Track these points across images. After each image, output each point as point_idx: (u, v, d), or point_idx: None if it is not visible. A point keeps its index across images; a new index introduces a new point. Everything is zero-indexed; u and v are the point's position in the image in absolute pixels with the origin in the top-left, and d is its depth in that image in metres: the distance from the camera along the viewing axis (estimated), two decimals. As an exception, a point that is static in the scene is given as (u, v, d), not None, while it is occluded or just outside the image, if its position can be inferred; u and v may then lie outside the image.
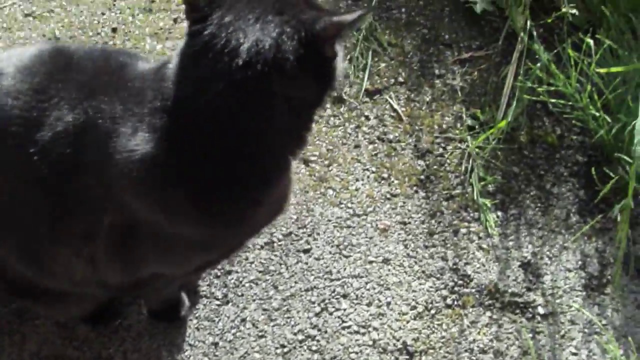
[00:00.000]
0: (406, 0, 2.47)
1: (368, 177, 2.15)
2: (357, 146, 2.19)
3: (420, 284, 2.01)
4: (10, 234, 1.48)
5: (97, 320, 1.87)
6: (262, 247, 2.02)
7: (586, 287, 2.03)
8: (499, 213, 2.13)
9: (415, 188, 2.14)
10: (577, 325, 1.98)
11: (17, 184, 1.41)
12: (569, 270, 2.05)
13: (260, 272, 1.99)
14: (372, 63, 2.33)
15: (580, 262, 2.07)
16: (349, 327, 1.94)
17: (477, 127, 2.24)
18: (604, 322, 1.98)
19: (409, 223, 2.09)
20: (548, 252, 2.07)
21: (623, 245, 1.98)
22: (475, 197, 2.13)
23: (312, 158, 2.16)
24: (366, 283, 2.00)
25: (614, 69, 2.07)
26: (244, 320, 1.93)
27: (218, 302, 1.95)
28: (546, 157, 2.22)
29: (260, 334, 1.92)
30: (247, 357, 1.89)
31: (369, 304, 1.97)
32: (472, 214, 2.11)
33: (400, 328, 1.95)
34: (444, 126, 2.25)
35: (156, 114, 1.28)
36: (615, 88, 2.12)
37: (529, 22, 2.29)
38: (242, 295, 1.96)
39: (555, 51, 2.26)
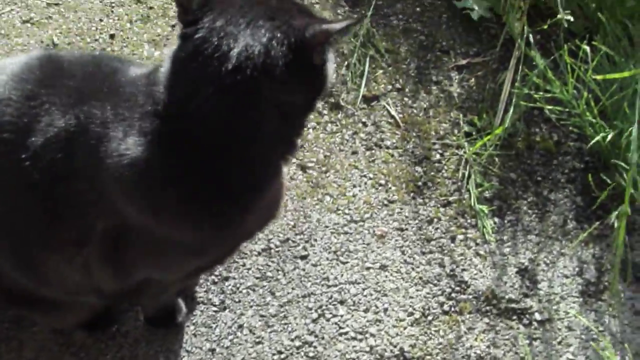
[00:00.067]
0: (403, 7, 2.47)
1: (365, 183, 2.15)
2: (354, 152, 2.20)
3: (417, 290, 2.01)
4: (4, 240, 1.49)
5: (93, 326, 1.87)
6: (259, 254, 2.02)
7: (583, 293, 2.03)
8: (496, 219, 2.13)
9: (412, 194, 2.15)
10: (574, 332, 1.98)
11: (9, 190, 1.42)
12: (566, 277, 2.06)
13: (257, 278, 1.99)
14: (370, 69, 2.33)
15: (577, 269, 2.07)
16: (346, 333, 1.94)
17: (474, 133, 2.24)
18: (601, 328, 1.99)
19: (406, 229, 2.09)
20: (545, 259, 2.08)
21: (620, 252, 1.98)
22: (472, 204, 2.13)
23: (310, 164, 2.16)
24: (363, 289, 2.00)
25: (609, 76, 2.07)
26: (241, 326, 1.93)
27: (215, 309, 1.95)
28: (543, 163, 2.22)
29: (257, 340, 1.92)
30: (244, 364, 1.90)
31: (366, 310, 1.97)
32: (469, 221, 2.12)
33: (397, 334, 1.95)
34: (441, 132, 2.25)
35: (147, 118, 1.28)
36: (612, 94, 2.12)
37: (526, 29, 2.30)
38: (239, 301, 1.96)
39: (552, 58, 2.27)
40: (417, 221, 2.11)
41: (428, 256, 2.06)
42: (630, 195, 1.95)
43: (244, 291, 1.97)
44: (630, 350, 1.93)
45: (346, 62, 2.32)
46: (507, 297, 2.01)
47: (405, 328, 1.96)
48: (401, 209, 2.12)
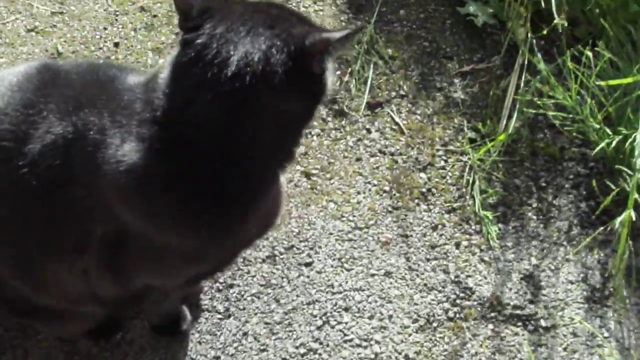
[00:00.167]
0: (407, 14, 2.48)
1: (369, 190, 2.15)
2: (358, 159, 2.20)
3: (422, 296, 2.01)
4: (4, 248, 1.49)
5: (98, 334, 1.87)
6: (263, 261, 2.02)
7: (588, 299, 2.03)
8: (501, 225, 2.13)
9: (416, 201, 2.15)
10: (579, 338, 1.98)
11: (8, 197, 1.42)
12: (571, 283, 2.05)
13: (262, 285, 1.99)
14: (374, 76, 2.33)
15: (582, 274, 2.07)
16: (350, 340, 1.94)
17: (478, 139, 2.24)
18: (606, 334, 1.98)
19: (411, 236, 2.09)
20: (550, 265, 2.07)
21: (621, 256, 1.98)
22: (476, 210, 2.13)
23: (314, 171, 2.16)
24: (368, 296, 2.00)
25: (612, 82, 2.07)
26: (245, 334, 1.93)
27: (220, 316, 1.95)
28: (547, 169, 2.22)
29: (262, 347, 1.92)
30: (249, 371, 1.90)
31: (370, 317, 1.97)
32: (473, 227, 2.12)
33: (402, 341, 1.95)
34: (445, 139, 2.25)
35: (144, 124, 1.29)
36: (616, 100, 2.12)
37: (529, 35, 2.30)
38: (244, 308, 1.96)
39: (556, 63, 2.27)
40: (421, 228, 2.11)
41: (432, 262, 2.06)
42: (635, 200, 1.95)
43: (249, 298, 1.97)
44: (635, 357, 1.93)
45: (350, 69, 2.33)
46: (511, 303, 2.01)
47: (410, 335, 1.96)
48: (405, 215, 2.12)
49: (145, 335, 1.91)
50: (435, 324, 1.98)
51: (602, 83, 2.10)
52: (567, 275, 2.06)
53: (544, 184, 2.20)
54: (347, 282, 2.01)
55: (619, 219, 2.01)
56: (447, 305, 2.00)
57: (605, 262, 2.08)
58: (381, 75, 2.35)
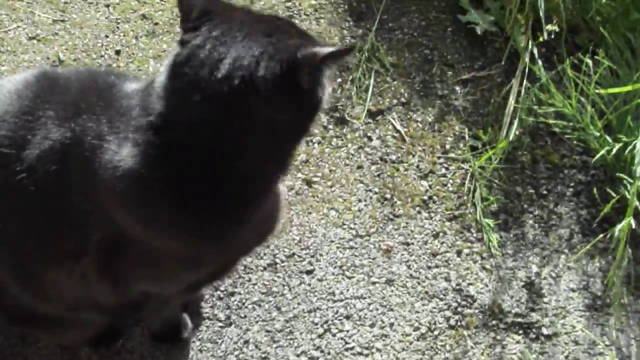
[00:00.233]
0: (408, 21, 2.48)
1: (371, 197, 2.15)
2: (359, 167, 2.20)
3: (423, 304, 2.01)
4: (3, 253, 1.49)
5: (98, 342, 1.87)
6: (264, 269, 2.02)
7: (589, 307, 2.03)
8: (502, 233, 2.13)
9: (418, 208, 2.15)
10: (580, 346, 1.97)
11: (7, 202, 1.43)
12: (572, 290, 2.05)
13: (263, 293, 1.99)
14: (375, 84, 2.34)
15: (583, 282, 2.06)
16: (352, 348, 1.94)
17: (479, 147, 2.25)
18: (607, 342, 1.98)
19: (412, 244, 2.09)
20: (551, 272, 2.07)
21: (618, 264, 1.98)
22: (478, 217, 2.13)
23: (315, 179, 2.16)
24: (369, 304, 2.00)
25: (612, 90, 2.08)
26: (246, 342, 1.93)
27: (221, 324, 1.95)
28: (549, 176, 2.22)
29: (263, 355, 1.91)
30: (250, 379, 1.90)
31: (372, 325, 1.97)
32: (475, 234, 2.12)
33: (403, 349, 1.95)
34: (447, 146, 2.25)
35: (141, 129, 1.29)
36: (616, 108, 2.13)
37: (530, 42, 2.30)
38: (245, 316, 1.96)
39: (556, 71, 2.27)
40: (422, 235, 2.11)
41: (434, 270, 2.06)
42: (635, 208, 1.95)
43: (250, 306, 1.97)
44: (637, 364, 1.93)
45: (351, 77, 2.33)
46: (513, 311, 2.01)
47: (411, 343, 1.96)
48: (407, 223, 2.12)
49: (146, 343, 1.90)
50: (436, 332, 1.97)
51: (602, 91, 2.10)
52: (568, 283, 2.06)
53: (544, 192, 2.20)
54: (348, 289, 2.01)
55: (619, 226, 2.01)
56: (448, 313, 2.00)
57: (606, 270, 2.08)
58: (382, 82, 2.35)
